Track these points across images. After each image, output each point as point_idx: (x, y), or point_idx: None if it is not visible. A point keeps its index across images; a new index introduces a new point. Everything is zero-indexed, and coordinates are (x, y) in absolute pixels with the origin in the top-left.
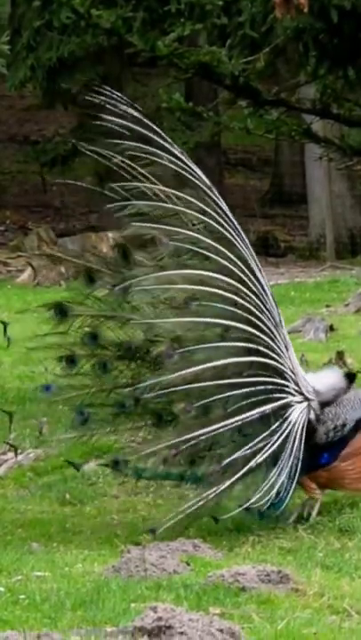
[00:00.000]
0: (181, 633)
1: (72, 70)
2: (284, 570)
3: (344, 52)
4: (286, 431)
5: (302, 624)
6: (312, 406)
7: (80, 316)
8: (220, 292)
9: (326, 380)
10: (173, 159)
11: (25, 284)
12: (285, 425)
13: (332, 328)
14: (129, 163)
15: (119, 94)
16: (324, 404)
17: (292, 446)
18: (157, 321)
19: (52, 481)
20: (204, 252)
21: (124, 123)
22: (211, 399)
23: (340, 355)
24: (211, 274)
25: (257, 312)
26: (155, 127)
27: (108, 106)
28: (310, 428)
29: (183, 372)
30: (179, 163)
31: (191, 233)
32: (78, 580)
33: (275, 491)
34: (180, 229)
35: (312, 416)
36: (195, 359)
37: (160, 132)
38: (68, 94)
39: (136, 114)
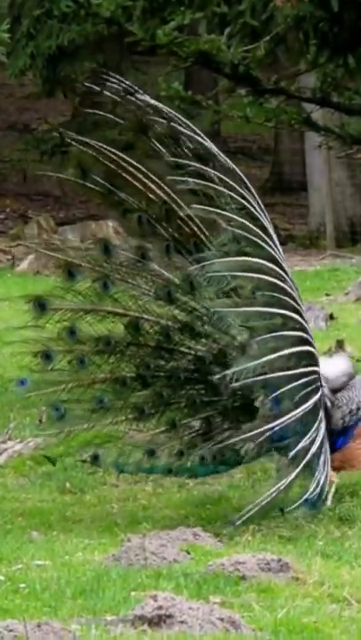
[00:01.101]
0: (182, 622)
1: (72, 58)
2: (284, 558)
3: (344, 40)
4: (323, 420)
5: (302, 613)
6: (325, 393)
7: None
8: (275, 280)
9: (334, 367)
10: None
11: (25, 272)
12: (321, 413)
13: (331, 317)
14: (117, 153)
15: (128, 83)
16: (335, 391)
17: (326, 433)
18: (241, 310)
19: (52, 469)
20: (256, 240)
21: (159, 105)
22: (283, 389)
23: (339, 343)
24: (265, 262)
25: (298, 300)
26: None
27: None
28: (327, 415)
29: (262, 359)
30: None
31: (243, 220)
32: (78, 568)
33: (323, 479)
34: (235, 215)
35: (328, 402)
36: (268, 348)
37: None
38: (68, 82)
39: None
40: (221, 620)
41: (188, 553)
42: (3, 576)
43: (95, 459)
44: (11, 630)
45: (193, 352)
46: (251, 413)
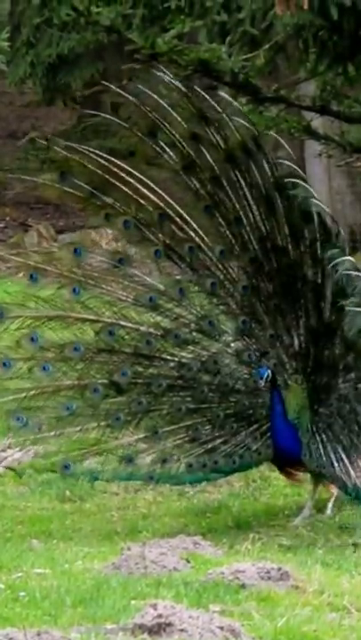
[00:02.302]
0: (181, 630)
1: (72, 67)
2: (284, 567)
3: (344, 48)
4: None
5: (302, 621)
6: None
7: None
8: None
9: None
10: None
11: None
12: None
13: None
14: (107, 157)
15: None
16: None
17: None
18: None
19: (51, 478)
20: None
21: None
22: None
23: None
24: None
25: None
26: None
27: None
28: None
29: None
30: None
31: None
32: (78, 577)
33: None
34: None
35: None
36: None
37: None
38: (68, 91)
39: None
40: (221, 628)
41: (188, 561)
42: (2, 584)
43: (65, 468)
44: (11, 639)
45: (177, 359)
46: (245, 420)
